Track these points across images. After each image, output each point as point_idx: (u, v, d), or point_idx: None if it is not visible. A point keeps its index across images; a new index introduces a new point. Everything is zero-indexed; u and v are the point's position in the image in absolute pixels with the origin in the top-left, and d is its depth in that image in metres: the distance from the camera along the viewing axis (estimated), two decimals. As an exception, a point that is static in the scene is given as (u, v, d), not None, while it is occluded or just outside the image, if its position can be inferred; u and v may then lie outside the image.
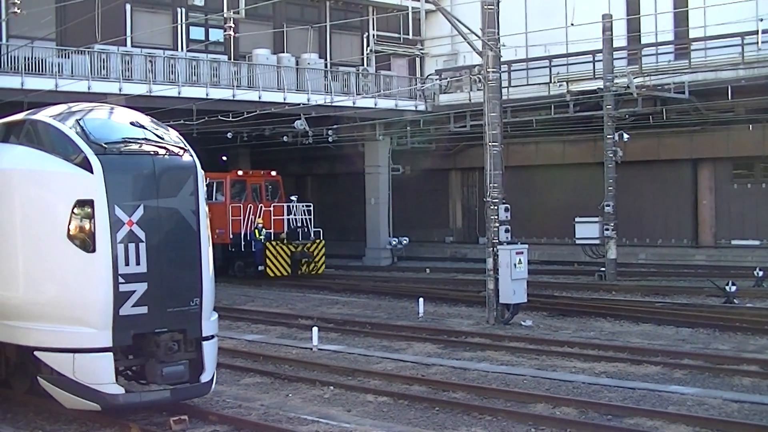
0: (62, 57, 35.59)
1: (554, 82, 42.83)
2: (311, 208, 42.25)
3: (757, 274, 31.79)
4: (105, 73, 36.15)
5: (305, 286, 36.53)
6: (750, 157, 41.08)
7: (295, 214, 41.19)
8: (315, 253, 40.46)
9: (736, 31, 38.29)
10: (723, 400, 15.83)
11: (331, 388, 17.58)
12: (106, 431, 14.33)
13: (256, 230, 39.47)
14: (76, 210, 13.73)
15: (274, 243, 39.46)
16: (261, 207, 40.52)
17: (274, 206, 40.76)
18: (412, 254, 48.28)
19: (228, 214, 40.34)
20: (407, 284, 36.44)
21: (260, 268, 39.14)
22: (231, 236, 40.40)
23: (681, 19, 43.01)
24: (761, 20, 37.07)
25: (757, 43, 37.37)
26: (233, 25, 29.66)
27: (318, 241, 40.81)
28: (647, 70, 40.57)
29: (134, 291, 13.76)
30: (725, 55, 39.18)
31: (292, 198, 41.86)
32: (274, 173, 43.08)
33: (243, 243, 40.20)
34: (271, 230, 39.97)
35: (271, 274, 38.86)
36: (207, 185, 38.00)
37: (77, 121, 14.51)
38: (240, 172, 42.87)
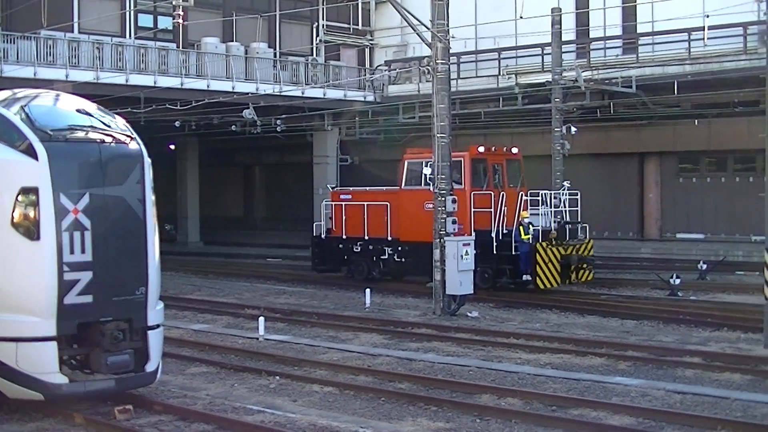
0: (7, 42, 35.19)
1: (503, 75, 43.17)
2: (579, 197, 32.48)
3: (701, 267, 32.19)
4: (51, 60, 35.87)
5: (252, 276, 36.36)
6: (695, 152, 41.57)
7: (560, 206, 31.65)
8: (589, 257, 30.93)
9: (683, 27, 38.75)
10: (666, 391, 16.00)
11: (277, 378, 17.56)
12: (49, 421, 14.19)
13: (521, 227, 29.21)
14: (20, 197, 13.53)
15: (543, 244, 29.42)
16: (522, 195, 30.41)
17: (531, 194, 30.89)
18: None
19: (468, 205, 29.82)
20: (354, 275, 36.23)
21: (525, 277, 29.33)
22: (473, 234, 28.48)
23: (629, 14, 43.40)
24: (707, 17, 37.48)
25: (704, 39, 37.82)
26: (182, 13, 29.46)
27: (588, 240, 31.44)
28: (595, 64, 40.96)
29: (79, 280, 13.62)
30: (672, 50, 39.71)
31: (565, 183, 33.17)
32: (515, 150, 32.51)
33: (496, 244, 29.72)
34: (539, 227, 29.96)
35: (542, 287, 29.20)
36: (430, 166, 28.76)
37: (22, 107, 14.31)
38: (481, 149, 31.41)
